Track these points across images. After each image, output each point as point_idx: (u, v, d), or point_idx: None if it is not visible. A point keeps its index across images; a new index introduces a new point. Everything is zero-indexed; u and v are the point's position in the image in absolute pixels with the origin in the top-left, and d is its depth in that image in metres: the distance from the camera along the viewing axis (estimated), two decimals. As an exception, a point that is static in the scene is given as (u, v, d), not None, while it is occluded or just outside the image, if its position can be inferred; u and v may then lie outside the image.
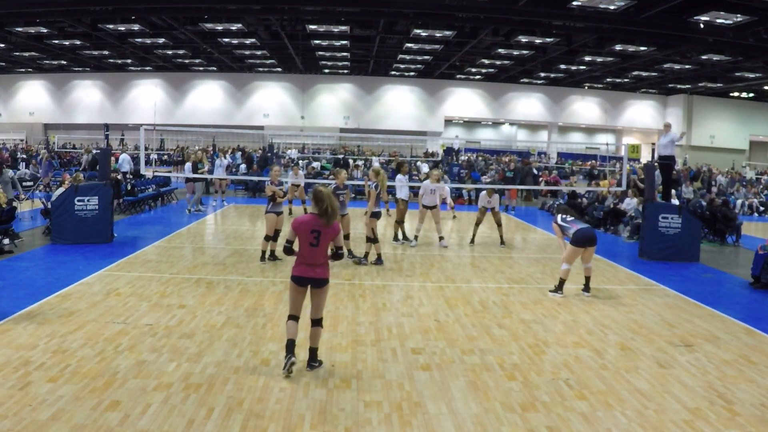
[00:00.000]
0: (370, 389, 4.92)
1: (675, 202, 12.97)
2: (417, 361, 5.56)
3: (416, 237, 12.01)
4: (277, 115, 36.38)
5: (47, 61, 31.66)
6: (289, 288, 5.25)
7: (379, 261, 9.96)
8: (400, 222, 12.13)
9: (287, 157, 27.00)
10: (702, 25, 17.95)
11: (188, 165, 17.12)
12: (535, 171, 22.56)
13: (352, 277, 9.01)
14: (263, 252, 9.94)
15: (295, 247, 5.20)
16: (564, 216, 8.38)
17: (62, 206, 10.74)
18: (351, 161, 25.08)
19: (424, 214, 11.94)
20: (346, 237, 10.12)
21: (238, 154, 26.11)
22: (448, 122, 39.04)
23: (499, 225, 12.35)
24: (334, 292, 7.99)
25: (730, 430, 4.38)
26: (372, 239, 9.96)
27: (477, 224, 12.41)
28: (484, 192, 12.32)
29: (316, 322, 5.20)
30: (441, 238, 12.03)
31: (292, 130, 34.77)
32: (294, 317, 5.22)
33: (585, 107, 38.07)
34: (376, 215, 10.02)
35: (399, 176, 12.05)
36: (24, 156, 25.22)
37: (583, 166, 31.93)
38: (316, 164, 24.81)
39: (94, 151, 23.64)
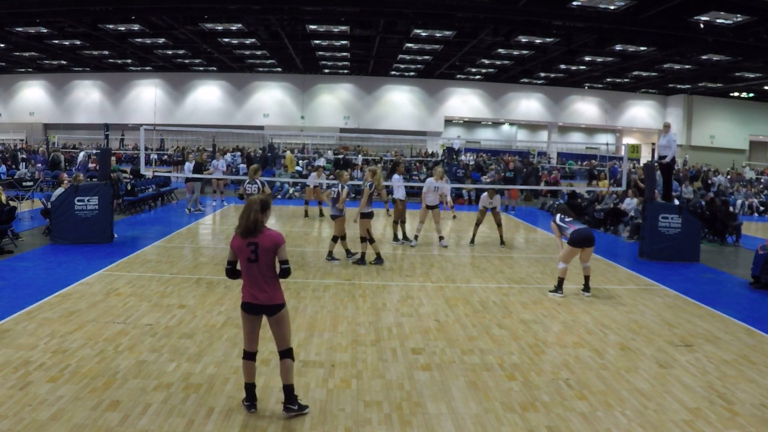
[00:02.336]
0: (370, 389, 4.92)
1: (675, 202, 12.97)
2: (417, 361, 5.56)
3: (416, 237, 12.02)
4: (277, 115, 36.38)
5: (47, 61, 31.65)
6: (241, 316, 4.48)
7: (378, 260, 9.96)
8: (399, 222, 12.13)
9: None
10: (702, 25, 17.94)
11: (188, 165, 17.12)
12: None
13: (352, 277, 9.01)
14: None
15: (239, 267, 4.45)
16: (562, 216, 8.39)
17: (62, 206, 10.74)
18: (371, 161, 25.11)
19: (425, 214, 11.91)
20: (343, 238, 10.12)
21: (237, 154, 26.11)
22: (448, 122, 39.01)
23: (499, 225, 12.35)
24: (334, 292, 8.00)
25: (730, 430, 4.38)
26: (368, 239, 9.95)
27: (477, 224, 12.41)
28: (485, 193, 12.32)
29: (285, 354, 4.39)
30: (441, 238, 12.04)
31: (292, 130, 34.76)
32: (249, 354, 4.43)
33: (585, 107, 38.07)
34: (368, 215, 9.90)
35: (395, 176, 12.05)
36: (24, 156, 25.23)
37: (582, 166, 31.93)
38: (320, 161, 24.77)
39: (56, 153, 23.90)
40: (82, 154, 22.53)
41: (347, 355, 5.69)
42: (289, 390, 4.39)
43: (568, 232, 8.10)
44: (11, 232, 10.39)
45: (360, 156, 26.61)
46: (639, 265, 10.70)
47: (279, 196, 20.75)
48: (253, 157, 25.57)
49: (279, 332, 4.41)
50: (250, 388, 4.47)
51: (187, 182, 16.24)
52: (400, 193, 11.91)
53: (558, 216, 8.45)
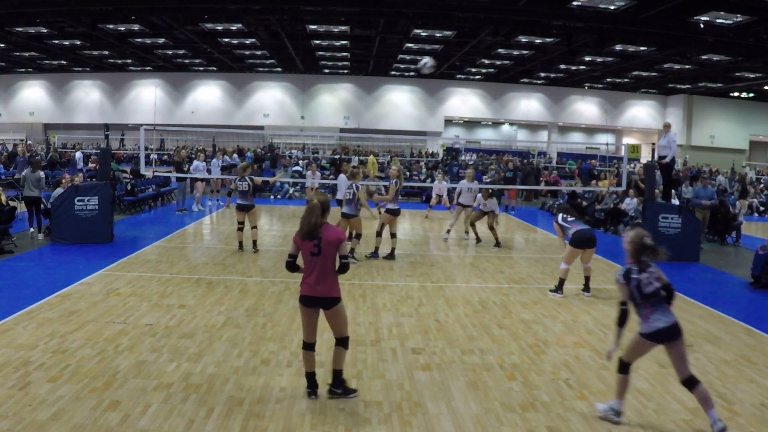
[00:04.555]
0: (370, 389, 4.92)
1: (675, 202, 12.96)
2: (417, 361, 5.56)
3: (448, 231, 12.55)
4: (277, 115, 36.39)
5: (47, 61, 31.67)
6: (299, 310, 4.68)
7: (374, 255, 10.24)
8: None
9: (288, 157, 27.05)
10: (702, 25, 17.95)
11: (195, 163, 17.12)
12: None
13: (352, 277, 8.99)
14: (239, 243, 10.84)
15: (300, 262, 4.65)
16: (565, 216, 8.35)
17: (62, 206, 10.74)
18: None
19: (459, 212, 12.48)
20: (358, 236, 10.19)
21: (235, 155, 26.07)
22: (448, 122, 39.04)
23: (491, 228, 12.07)
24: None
25: (730, 430, 4.37)
26: (391, 234, 10.33)
27: (472, 224, 12.40)
28: (479, 194, 12.26)
29: (340, 342, 4.66)
30: (448, 231, 12.64)
31: (292, 130, 34.77)
32: (308, 345, 4.67)
33: (585, 107, 38.07)
34: (393, 212, 10.22)
35: (341, 176, 11.99)
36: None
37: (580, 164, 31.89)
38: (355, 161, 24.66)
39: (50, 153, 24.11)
40: (78, 154, 22.79)
41: (347, 355, 5.66)
42: (337, 374, 4.67)
43: (570, 232, 8.07)
44: (40, 225, 10.93)
45: (394, 157, 26.54)
46: (639, 265, 10.67)
47: (279, 196, 20.75)
48: (261, 157, 25.62)
49: (336, 324, 4.64)
50: (310, 376, 4.71)
51: (180, 182, 16.25)
52: (341, 194, 11.67)
53: (560, 216, 8.40)
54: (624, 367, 4.53)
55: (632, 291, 4.39)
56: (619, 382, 4.54)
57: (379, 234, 10.37)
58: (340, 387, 4.67)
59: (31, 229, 11.47)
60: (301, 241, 4.54)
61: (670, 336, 4.35)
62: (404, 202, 19.98)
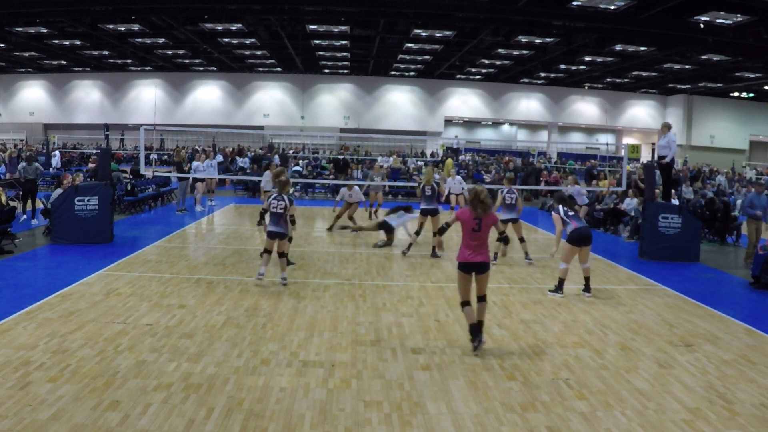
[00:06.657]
0: (370, 389, 4.92)
1: (675, 202, 12.96)
2: (417, 361, 5.56)
3: None
4: (277, 115, 36.37)
5: (47, 61, 31.66)
6: (458, 276, 5.84)
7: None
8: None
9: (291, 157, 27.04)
10: (702, 25, 17.95)
11: (195, 164, 17.11)
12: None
13: (352, 277, 9.01)
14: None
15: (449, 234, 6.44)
16: (566, 209, 8.28)
17: (62, 206, 10.74)
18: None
19: (585, 212, 13.73)
20: (521, 240, 10.57)
21: (219, 156, 25.96)
22: (448, 122, 39.01)
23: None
24: (334, 292, 8.00)
25: (730, 430, 4.38)
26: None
27: (338, 217, 13.17)
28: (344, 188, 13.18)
29: (483, 298, 5.82)
30: None
31: (292, 130, 34.76)
32: (467, 303, 5.79)
33: (585, 107, 38.05)
34: (431, 213, 10.76)
35: (267, 173, 12.55)
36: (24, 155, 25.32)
37: (581, 167, 31.84)
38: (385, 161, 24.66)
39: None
40: (56, 154, 23.30)
41: (347, 355, 5.69)
42: (480, 324, 5.77)
43: (570, 228, 8.04)
44: (34, 211, 11.71)
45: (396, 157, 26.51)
46: (639, 265, 10.69)
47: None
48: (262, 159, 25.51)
49: (483, 284, 5.82)
50: (474, 326, 5.74)
51: (180, 182, 16.24)
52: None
53: (562, 209, 8.29)
54: (264, 250, 8.30)
55: (271, 208, 7.99)
56: (265, 259, 8.20)
57: (418, 233, 10.98)
58: (479, 334, 5.70)
59: (24, 217, 12.36)
60: (468, 216, 5.79)
61: (276, 236, 8.06)
62: (406, 203, 19.99)
